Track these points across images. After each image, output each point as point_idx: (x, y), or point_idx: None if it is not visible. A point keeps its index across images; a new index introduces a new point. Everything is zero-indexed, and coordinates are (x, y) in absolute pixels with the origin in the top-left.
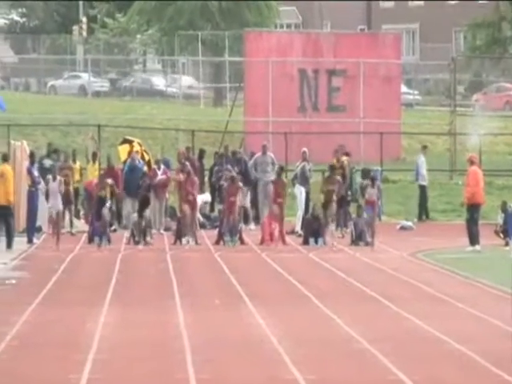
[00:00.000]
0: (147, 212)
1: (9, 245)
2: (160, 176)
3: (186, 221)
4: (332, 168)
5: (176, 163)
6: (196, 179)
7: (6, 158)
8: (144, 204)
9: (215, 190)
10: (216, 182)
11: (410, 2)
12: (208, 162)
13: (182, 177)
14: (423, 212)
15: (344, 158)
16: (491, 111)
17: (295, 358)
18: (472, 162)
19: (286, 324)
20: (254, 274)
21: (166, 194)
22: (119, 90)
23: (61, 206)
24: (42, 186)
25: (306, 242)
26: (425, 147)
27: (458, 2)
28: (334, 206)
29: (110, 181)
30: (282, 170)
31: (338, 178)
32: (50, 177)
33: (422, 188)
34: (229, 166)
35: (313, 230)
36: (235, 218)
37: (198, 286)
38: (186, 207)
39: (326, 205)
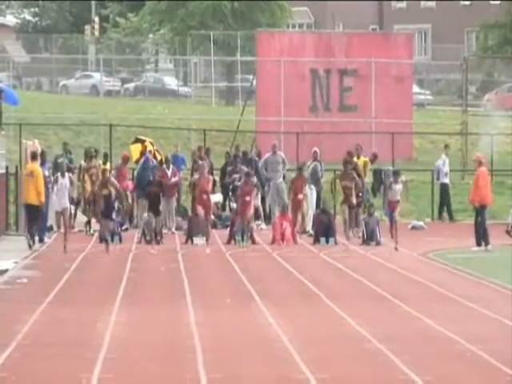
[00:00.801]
0: (161, 216)
1: (41, 239)
2: (170, 176)
3: (198, 220)
4: (346, 163)
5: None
6: (211, 178)
7: (34, 157)
8: (154, 202)
9: (228, 190)
10: (230, 182)
11: (422, 3)
12: (219, 162)
13: (196, 176)
14: (443, 211)
15: (362, 159)
16: (503, 111)
17: (306, 357)
18: (480, 163)
19: (296, 323)
20: (265, 274)
21: (175, 193)
22: (130, 90)
23: (68, 205)
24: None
25: (316, 241)
26: (446, 146)
27: (470, 2)
28: (356, 210)
29: (114, 182)
30: (303, 166)
31: (354, 174)
32: (58, 174)
33: (444, 187)
34: (243, 167)
35: (324, 227)
36: (249, 219)
37: (209, 286)
38: (200, 207)
39: (346, 202)
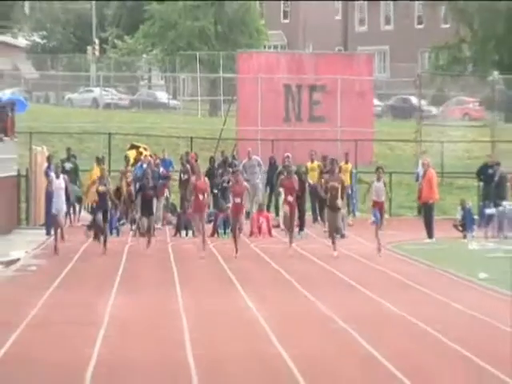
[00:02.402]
0: (152, 217)
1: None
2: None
3: (186, 216)
4: (332, 164)
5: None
6: (207, 180)
7: (99, 162)
8: (148, 204)
9: (217, 190)
10: (220, 183)
11: (381, 26)
12: (204, 166)
13: (193, 178)
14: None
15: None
16: (452, 121)
17: (279, 335)
18: (428, 165)
19: (271, 306)
20: (244, 263)
21: (164, 193)
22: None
23: (64, 206)
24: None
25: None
26: (424, 152)
27: (423, 26)
28: (340, 212)
29: (110, 181)
30: (289, 167)
31: (341, 175)
32: (52, 175)
33: None
34: (230, 169)
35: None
36: (241, 221)
37: (194, 273)
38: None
39: (332, 206)
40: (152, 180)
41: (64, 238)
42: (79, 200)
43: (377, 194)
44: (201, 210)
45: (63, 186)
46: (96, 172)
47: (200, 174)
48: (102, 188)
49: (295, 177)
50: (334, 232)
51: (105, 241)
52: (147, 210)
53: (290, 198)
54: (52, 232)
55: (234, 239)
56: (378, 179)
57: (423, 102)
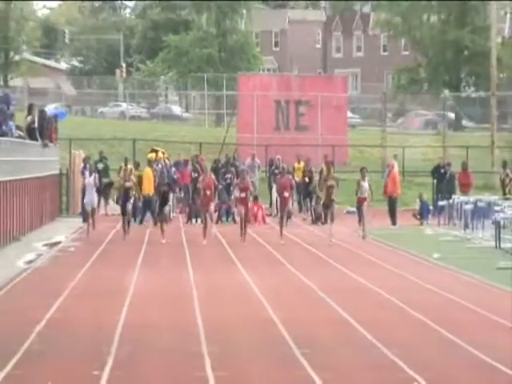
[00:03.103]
0: (166, 208)
1: (155, 223)
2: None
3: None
4: (329, 167)
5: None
6: (214, 178)
7: (149, 164)
8: (164, 197)
9: (221, 186)
10: (224, 179)
11: (354, 53)
12: (209, 166)
13: (202, 177)
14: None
15: (302, 164)
16: (411, 130)
17: (271, 302)
18: (392, 166)
19: (265, 280)
20: (243, 245)
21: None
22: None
23: (95, 201)
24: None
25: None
26: (396, 156)
27: (388, 53)
28: (334, 206)
29: (133, 178)
30: (284, 168)
31: (336, 175)
32: (87, 173)
33: None
34: (232, 168)
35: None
36: (246, 216)
37: (203, 253)
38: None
39: (327, 203)
40: (167, 178)
41: (95, 225)
42: (107, 189)
43: (361, 191)
44: (207, 205)
45: (93, 183)
46: (148, 171)
47: (208, 172)
48: (128, 184)
49: (289, 176)
50: (330, 220)
51: (128, 227)
52: (162, 203)
53: (286, 194)
54: (85, 220)
55: (243, 229)
56: (363, 178)
57: (388, 115)
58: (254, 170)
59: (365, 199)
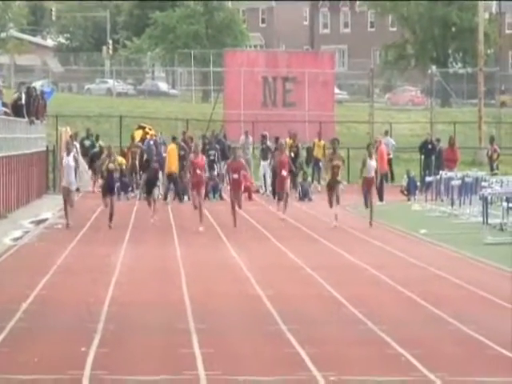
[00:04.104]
0: (156, 190)
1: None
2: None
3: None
4: (334, 143)
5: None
6: (203, 157)
7: (174, 140)
8: (154, 176)
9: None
10: (207, 157)
11: (341, 29)
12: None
13: (192, 156)
14: (392, 177)
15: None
16: (398, 106)
17: (258, 279)
18: (380, 143)
19: (251, 256)
20: (229, 221)
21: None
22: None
23: (73, 182)
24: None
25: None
26: (386, 132)
27: (375, 29)
28: (339, 187)
29: (119, 158)
30: (281, 145)
31: (342, 154)
32: (64, 153)
33: (389, 161)
34: (216, 145)
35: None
36: (240, 197)
37: (189, 229)
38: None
39: (332, 183)
40: (156, 155)
41: (73, 205)
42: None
43: (368, 170)
44: (198, 186)
45: (73, 164)
46: (173, 148)
47: (198, 151)
48: (111, 166)
49: (287, 153)
50: (336, 202)
51: (111, 215)
52: (153, 181)
53: (284, 173)
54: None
55: (233, 214)
56: (370, 156)
57: (375, 91)
58: (249, 147)
59: (372, 179)
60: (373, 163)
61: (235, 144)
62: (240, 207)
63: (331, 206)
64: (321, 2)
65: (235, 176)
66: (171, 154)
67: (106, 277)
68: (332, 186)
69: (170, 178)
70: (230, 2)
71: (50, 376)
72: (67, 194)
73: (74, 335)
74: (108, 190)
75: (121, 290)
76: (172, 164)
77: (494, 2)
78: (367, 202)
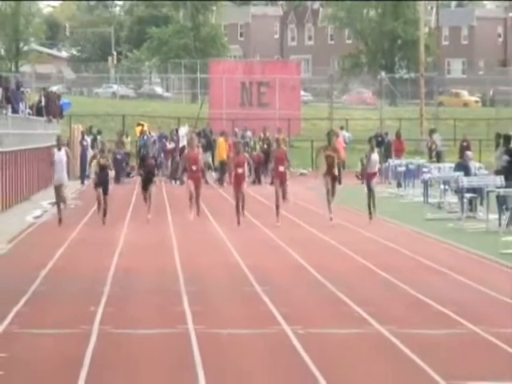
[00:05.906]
0: (152, 187)
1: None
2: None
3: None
4: (329, 134)
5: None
6: (200, 151)
7: (222, 134)
8: (150, 171)
9: None
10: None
11: (305, 42)
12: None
13: (187, 151)
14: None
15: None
16: (353, 106)
17: (239, 251)
18: (337, 135)
19: (234, 233)
20: (215, 202)
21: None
22: (135, 94)
23: (65, 178)
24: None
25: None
26: (342, 127)
27: (334, 42)
28: (335, 185)
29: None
30: (277, 140)
31: (337, 147)
32: (55, 149)
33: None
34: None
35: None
36: (244, 192)
37: (182, 210)
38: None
39: (328, 174)
40: (151, 151)
41: (65, 201)
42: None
43: (370, 165)
44: (195, 181)
45: (65, 159)
46: (222, 143)
47: (193, 146)
48: (103, 161)
49: (284, 148)
50: (331, 196)
51: (105, 211)
52: (148, 179)
53: (281, 168)
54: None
55: (237, 211)
56: (373, 149)
57: (334, 93)
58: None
59: (375, 174)
60: (376, 157)
61: (238, 139)
62: (243, 203)
63: (330, 210)
64: (289, 19)
65: (240, 170)
66: (220, 146)
67: (111, 248)
68: (328, 178)
69: (222, 164)
70: (213, 18)
71: (65, 330)
72: (59, 190)
73: (84, 297)
74: (100, 185)
75: (123, 259)
76: (221, 154)
77: (433, 18)
78: (371, 198)
